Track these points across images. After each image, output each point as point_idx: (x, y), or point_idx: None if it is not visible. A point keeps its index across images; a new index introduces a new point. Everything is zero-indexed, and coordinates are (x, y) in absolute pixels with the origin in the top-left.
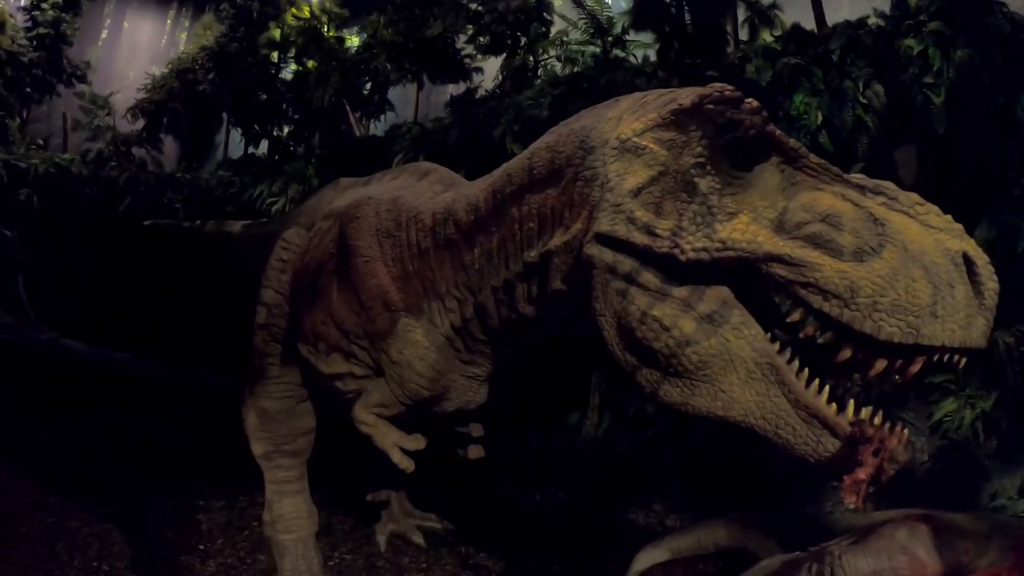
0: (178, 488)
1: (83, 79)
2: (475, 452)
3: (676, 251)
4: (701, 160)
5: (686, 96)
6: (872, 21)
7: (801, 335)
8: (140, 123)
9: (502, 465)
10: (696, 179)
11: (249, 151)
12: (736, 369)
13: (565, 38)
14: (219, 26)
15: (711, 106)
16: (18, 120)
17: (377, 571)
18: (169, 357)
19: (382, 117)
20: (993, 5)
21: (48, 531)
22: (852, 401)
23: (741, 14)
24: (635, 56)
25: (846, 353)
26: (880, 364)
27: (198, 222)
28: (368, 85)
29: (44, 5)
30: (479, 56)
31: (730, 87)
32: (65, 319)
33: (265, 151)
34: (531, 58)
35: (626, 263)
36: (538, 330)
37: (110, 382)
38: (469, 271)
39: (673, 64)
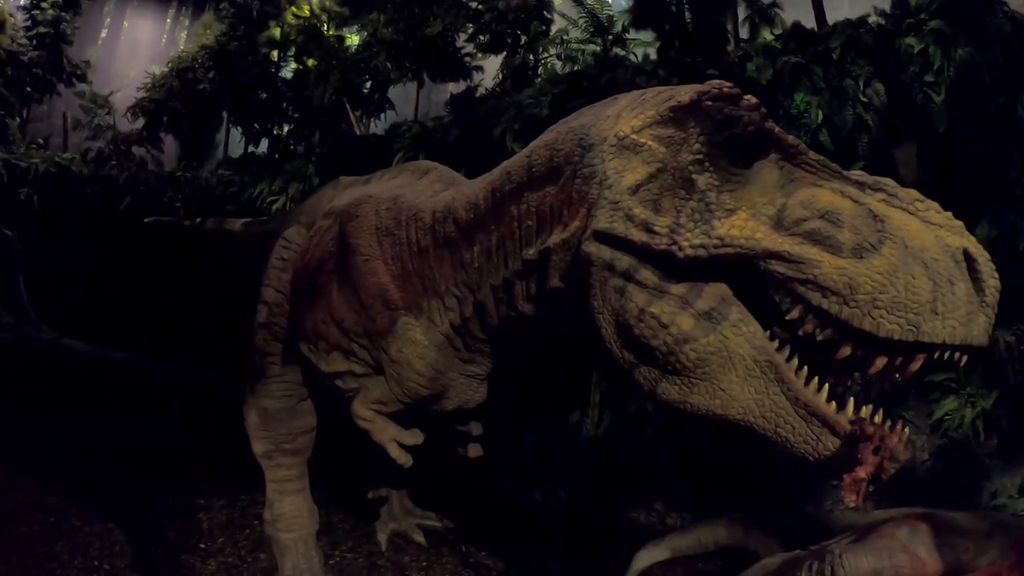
0: (179, 487)
1: (83, 78)
2: (474, 451)
3: (674, 248)
4: (699, 157)
5: (685, 93)
6: (872, 20)
7: (800, 333)
8: (140, 122)
9: (502, 464)
10: (694, 176)
11: (249, 150)
12: (735, 367)
13: (565, 36)
14: (219, 25)
15: (709, 103)
16: (18, 119)
17: (378, 570)
18: (170, 356)
19: (382, 116)
20: (994, 4)
21: (49, 530)
22: (852, 399)
23: (741, 12)
24: (635, 55)
25: (845, 351)
26: (880, 362)
27: (198, 220)
28: (368, 84)
29: (44, 4)
30: (479, 55)
31: (728, 84)
32: (65, 318)
33: (265, 150)
34: (531, 57)
35: (624, 260)
36: (537, 328)
37: (110, 381)
38: (468, 269)
39: (673, 63)
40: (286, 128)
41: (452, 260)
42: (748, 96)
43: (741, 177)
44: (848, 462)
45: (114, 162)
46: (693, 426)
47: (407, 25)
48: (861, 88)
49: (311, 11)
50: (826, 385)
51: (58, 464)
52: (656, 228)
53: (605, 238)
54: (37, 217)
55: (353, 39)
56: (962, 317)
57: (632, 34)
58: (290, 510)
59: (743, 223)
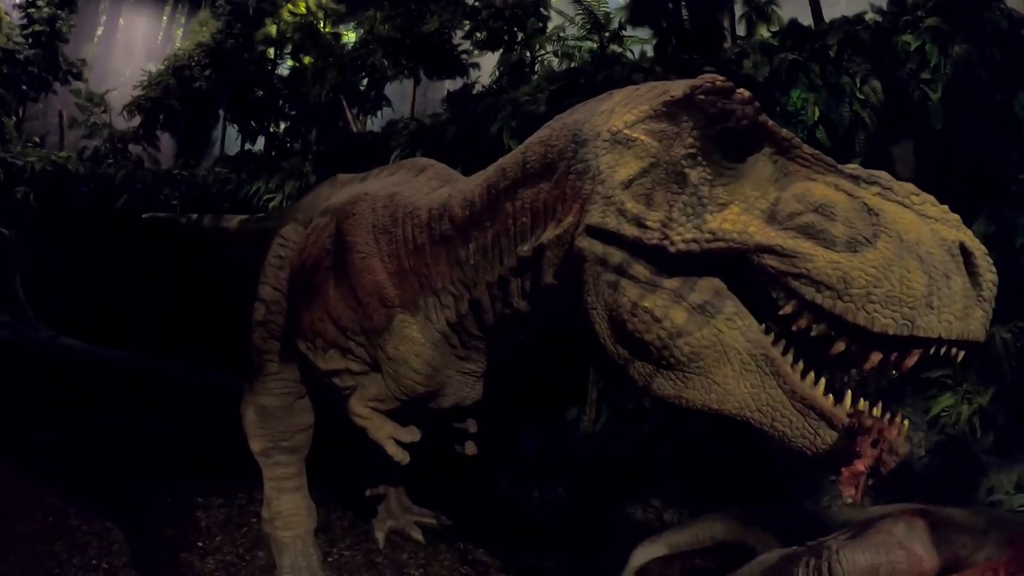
0: (177, 485)
1: (79, 76)
2: (470, 448)
3: (666, 242)
4: (692, 151)
5: (678, 87)
6: (869, 17)
7: (794, 328)
8: (136, 120)
9: (500, 461)
10: (687, 170)
11: (246, 148)
12: (730, 360)
13: (562, 34)
14: (215, 22)
15: (702, 97)
16: (14, 118)
17: (376, 567)
18: (167, 355)
19: (378, 113)
20: (991, 1)
21: (47, 529)
22: (850, 392)
23: (738, 10)
24: (632, 52)
25: (840, 346)
26: (875, 357)
27: (195, 216)
28: (365, 81)
29: (39, 2)
30: (476, 52)
31: (721, 77)
32: (63, 317)
33: (262, 148)
34: (528, 54)
35: (617, 255)
36: (532, 325)
37: (108, 380)
38: (464, 266)
39: (670, 60)
40: (283, 126)
41: (448, 257)
42: (741, 90)
43: (734, 171)
44: (846, 455)
45: (110, 160)
46: (690, 422)
47: (404, 22)
48: (858, 85)
49: (307, 8)
50: (823, 378)
51: (56, 463)
52: (648, 223)
53: (598, 233)
54: (34, 216)
55: (350, 36)
56: (958, 312)
57: (629, 31)
58: (288, 508)
59: (736, 217)
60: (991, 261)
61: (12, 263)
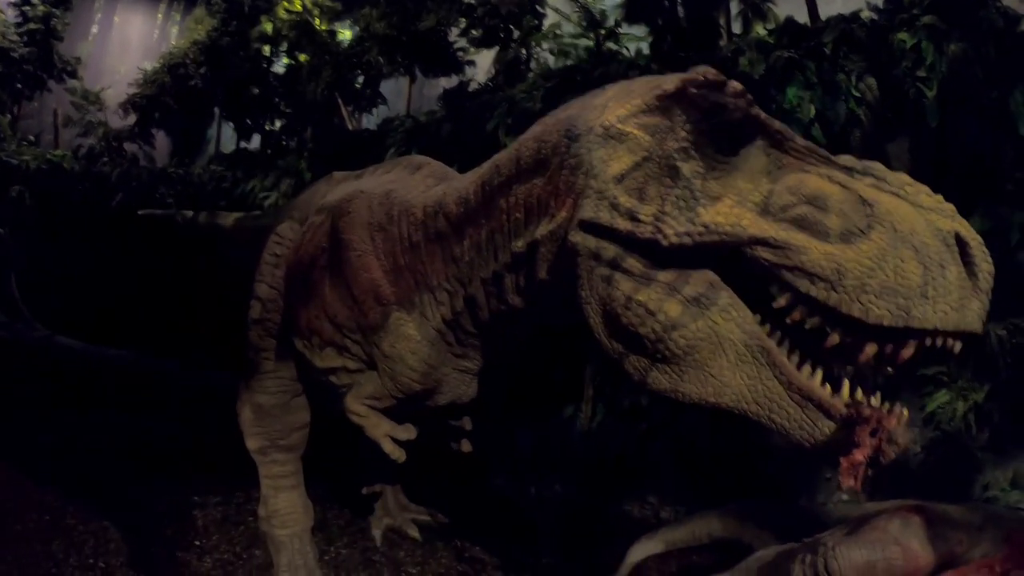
0: (174, 484)
1: (74, 74)
2: (465, 446)
3: (659, 236)
4: (685, 145)
5: (670, 81)
6: (865, 15)
7: (789, 321)
8: (132, 118)
9: (497, 459)
10: (680, 164)
11: (241, 145)
12: (726, 353)
13: (558, 31)
14: (210, 20)
15: (695, 90)
16: (9, 116)
17: (373, 565)
18: (163, 353)
19: (374, 111)
20: None
21: (44, 529)
22: (847, 382)
23: (734, 7)
24: (628, 49)
25: (834, 338)
26: (870, 349)
27: (190, 213)
28: (360, 79)
29: (34, 0)
30: (472, 49)
31: (713, 71)
32: (58, 316)
33: (257, 145)
34: (524, 51)
35: (610, 249)
36: (527, 321)
37: (105, 379)
38: (459, 263)
39: (666, 57)
40: (278, 123)
41: (443, 255)
42: (733, 83)
43: (727, 164)
44: (845, 446)
45: (106, 159)
46: (687, 420)
47: (400, 19)
48: (854, 83)
49: (303, 6)
50: (819, 369)
51: (52, 462)
52: (641, 216)
53: (591, 228)
54: (29, 214)
55: (345, 34)
56: (954, 302)
57: (625, 29)
58: (285, 506)
59: (728, 210)
60: (987, 251)
61: (7, 262)
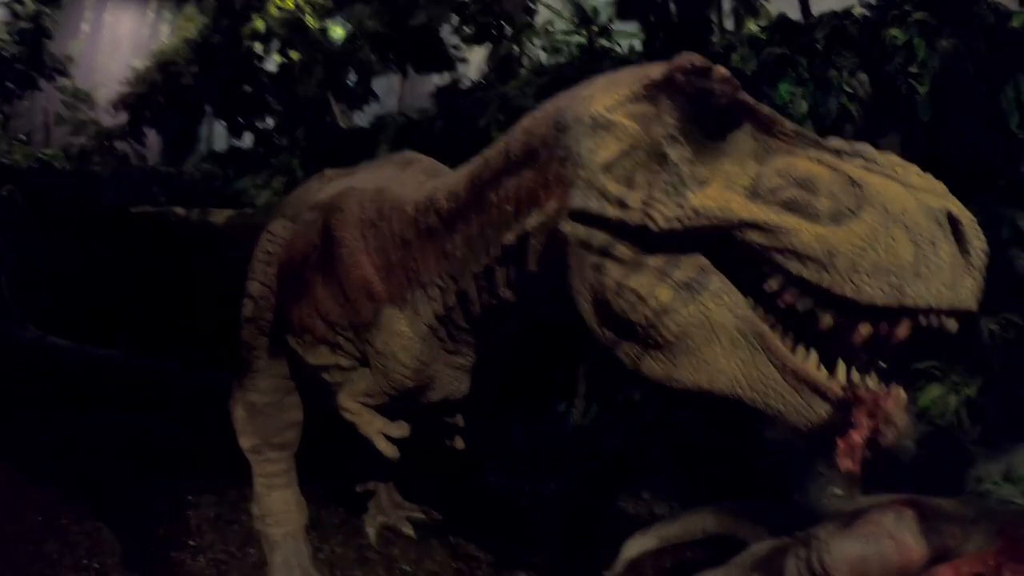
0: (167, 483)
1: (65, 73)
2: (457, 443)
3: (648, 222)
4: (673, 131)
5: (657, 70)
6: (857, 11)
7: (781, 304)
8: (123, 117)
9: (490, 455)
10: (667, 150)
11: (233, 144)
12: (719, 337)
13: (550, 28)
14: (202, 18)
15: (681, 77)
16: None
17: (368, 563)
18: (154, 352)
19: (365, 108)
20: None
21: (38, 530)
22: (843, 363)
23: (727, 4)
24: (620, 46)
25: (827, 320)
26: (864, 329)
27: (182, 211)
28: (353, 76)
29: None
30: (464, 46)
31: (700, 57)
32: (50, 316)
33: (249, 144)
34: (516, 48)
35: (600, 237)
36: (519, 316)
37: (96, 379)
38: (451, 258)
39: (659, 54)
40: (270, 121)
41: (434, 250)
42: (720, 68)
43: (716, 150)
44: (842, 428)
45: (97, 157)
46: (681, 415)
47: (391, 17)
48: (846, 79)
49: (295, 3)
50: (814, 351)
51: (45, 463)
52: (630, 203)
53: (580, 216)
54: (19, 213)
55: (337, 31)
56: (947, 280)
57: (617, 25)
58: (279, 505)
59: (717, 194)
60: (979, 229)
61: None
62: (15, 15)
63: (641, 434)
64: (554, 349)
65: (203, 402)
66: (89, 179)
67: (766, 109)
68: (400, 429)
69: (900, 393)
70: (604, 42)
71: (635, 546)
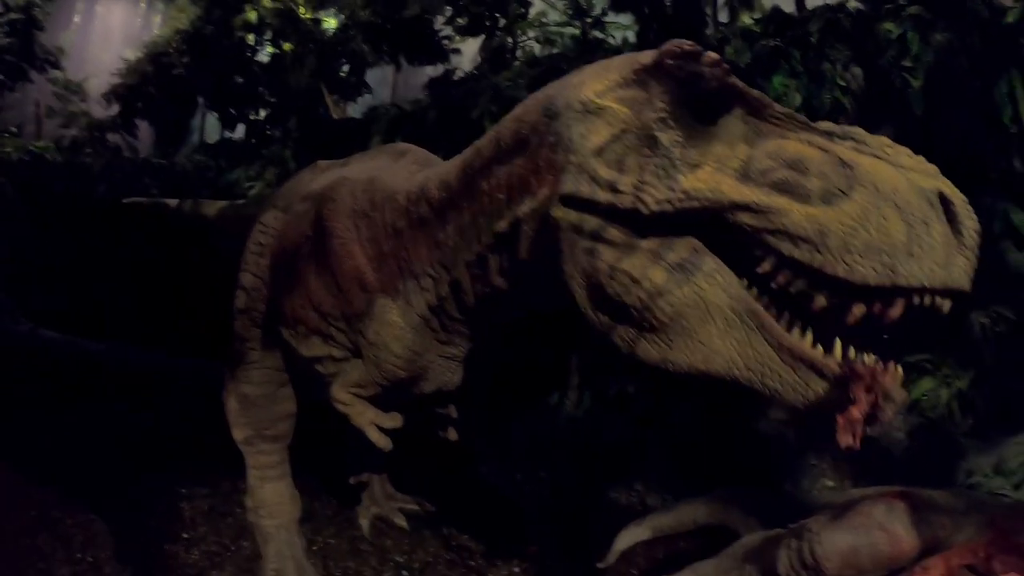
0: (160, 476)
1: (56, 65)
2: (450, 434)
3: (639, 205)
4: (663, 115)
5: (647, 55)
6: (851, 4)
7: (774, 285)
8: (115, 108)
9: (483, 447)
10: (658, 133)
11: (225, 135)
12: (713, 318)
13: (544, 19)
14: (194, 8)
15: (671, 61)
16: None
17: (361, 554)
18: (147, 344)
19: (358, 99)
20: None
21: (30, 523)
22: (839, 340)
23: None
24: (614, 38)
25: (821, 300)
26: (857, 309)
27: (174, 202)
28: (345, 67)
29: None
30: (457, 37)
31: (689, 42)
32: (42, 308)
33: (242, 135)
34: (510, 39)
35: (592, 221)
36: (512, 304)
37: (90, 371)
38: (443, 248)
39: (652, 46)
40: (263, 113)
41: (427, 240)
42: (710, 53)
43: (707, 133)
44: (840, 404)
45: (89, 149)
46: (673, 407)
47: (384, 7)
48: (840, 72)
49: None
50: (809, 331)
51: (39, 456)
52: (621, 187)
53: (572, 201)
54: (11, 205)
55: (330, 22)
56: (940, 259)
57: (611, 17)
58: (272, 497)
59: (708, 176)
60: (971, 209)
61: None
62: (6, 6)
63: (634, 425)
64: (547, 340)
65: (196, 394)
66: (81, 171)
67: (756, 93)
68: (393, 420)
69: (897, 368)
70: (598, 33)
71: (628, 537)
